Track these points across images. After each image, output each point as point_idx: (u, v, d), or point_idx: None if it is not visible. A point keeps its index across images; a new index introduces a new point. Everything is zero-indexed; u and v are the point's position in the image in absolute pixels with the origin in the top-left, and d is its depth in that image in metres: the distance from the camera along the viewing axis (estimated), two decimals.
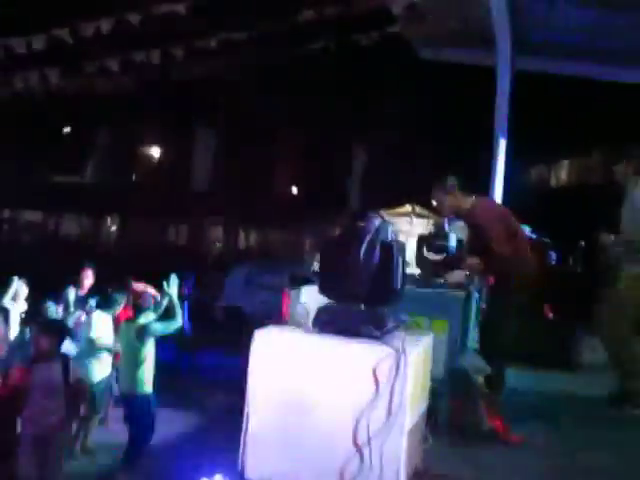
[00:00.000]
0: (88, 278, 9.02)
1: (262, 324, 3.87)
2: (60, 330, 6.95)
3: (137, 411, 7.50)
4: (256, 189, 35.44)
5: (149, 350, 7.43)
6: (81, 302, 8.65)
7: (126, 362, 7.45)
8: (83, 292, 8.88)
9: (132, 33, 10.16)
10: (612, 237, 5.96)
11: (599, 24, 7.86)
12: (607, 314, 5.89)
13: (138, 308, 7.51)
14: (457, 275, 5.61)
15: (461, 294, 5.41)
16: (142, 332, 7.39)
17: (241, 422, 3.52)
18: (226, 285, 17.54)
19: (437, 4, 8.07)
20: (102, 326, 7.91)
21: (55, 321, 7.84)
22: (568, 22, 8.00)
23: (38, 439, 6.14)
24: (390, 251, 3.63)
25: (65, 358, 6.50)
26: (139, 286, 7.92)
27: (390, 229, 3.72)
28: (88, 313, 8.39)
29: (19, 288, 8.53)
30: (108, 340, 7.88)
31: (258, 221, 36.45)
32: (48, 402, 6.16)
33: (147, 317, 7.48)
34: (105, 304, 8.08)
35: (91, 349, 7.95)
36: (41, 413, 6.18)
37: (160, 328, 7.66)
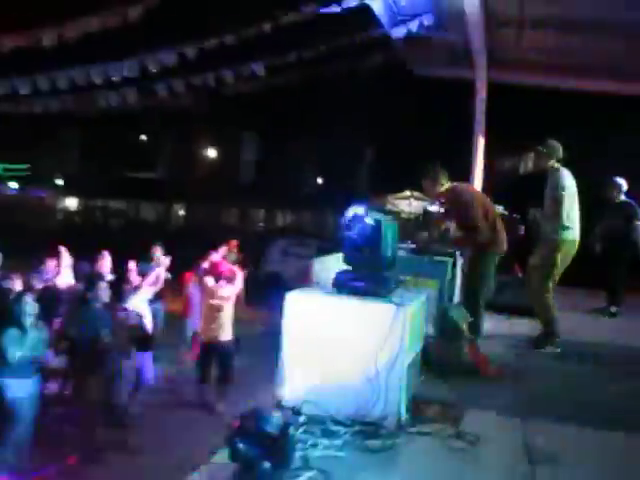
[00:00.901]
0: (157, 252, 9.12)
1: (294, 286, 3.88)
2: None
3: (227, 352, 7.59)
4: (290, 180, 35.45)
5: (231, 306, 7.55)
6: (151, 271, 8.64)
7: (218, 316, 7.49)
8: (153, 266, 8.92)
9: (190, 62, 10.22)
10: (537, 211, 5.96)
11: (556, 44, 7.73)
12: (529, 273, 5.89)
13: (219, 275, 7.58)
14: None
15: (448, 259, 5.41)
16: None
17: (279, 361, 3.56)
18: (267, 255, 17.62)
19: (428, 32, 7.96)
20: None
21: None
22: (532, 43, 7.87)
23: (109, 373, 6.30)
24: (385, 229, 3.63)
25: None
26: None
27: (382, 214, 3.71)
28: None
29: (105, 260, 8.60)
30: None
31: (292, 205, 36.50)
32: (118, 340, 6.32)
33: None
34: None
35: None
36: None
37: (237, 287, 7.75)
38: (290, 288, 3.69)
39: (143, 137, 42.78)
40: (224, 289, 7.54)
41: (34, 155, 41.16)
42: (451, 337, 4.78)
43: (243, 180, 40.24)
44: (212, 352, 7.53)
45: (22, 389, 5.98)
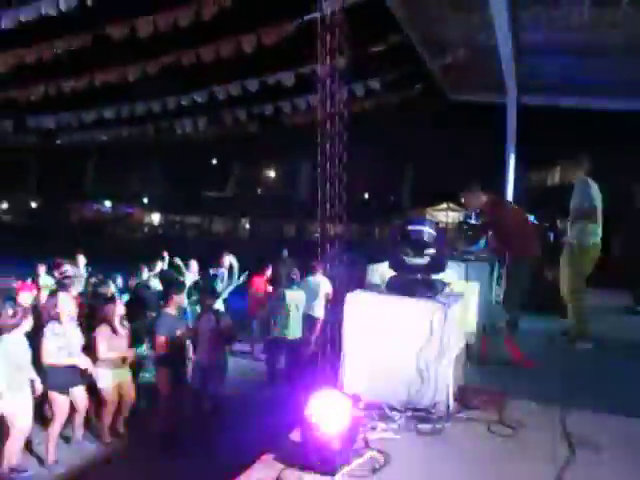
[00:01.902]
0: (226, 261, 9.26)
1: (351, 289, 3.86)
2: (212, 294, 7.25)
3: (295, 347, 7.62)
4: (340, 197, 35.48)
5: None
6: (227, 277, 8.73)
7: (295, 318, 7.54)
8: (222, 270, 9.01)
9: (252, 95, 10.43)
10: (563, 220, 5.78)
11: (578, 68, 7.52)
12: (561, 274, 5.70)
13: (292, 280, 7.67)
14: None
15: (487, 264, 5.30)
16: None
17: (341, 353, 3.55)
18: (322, 262, 17.57)
19: (464, 61, 7.87)
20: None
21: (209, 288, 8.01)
22: (557, 69, 7.68)
23: (204, 366, 6.38)
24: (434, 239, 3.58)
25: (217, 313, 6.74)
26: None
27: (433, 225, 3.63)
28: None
29: (193, 265, 8.74)
30: None
31: (342, 218, 36.48)
32: (209, 340, 6.39)
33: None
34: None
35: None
36: (205, 346, 6.41)
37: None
38: (343, 290, 3.68)
39: (215, 161, 43.71)
40: (292, 292, 7.61)
41: (124, 178, 42.69)
42: (491, 333, 4.68)
43: (300, 199, 40.53)
44: (281, 347, 7.58)
45: (115, 379, 6.16)
